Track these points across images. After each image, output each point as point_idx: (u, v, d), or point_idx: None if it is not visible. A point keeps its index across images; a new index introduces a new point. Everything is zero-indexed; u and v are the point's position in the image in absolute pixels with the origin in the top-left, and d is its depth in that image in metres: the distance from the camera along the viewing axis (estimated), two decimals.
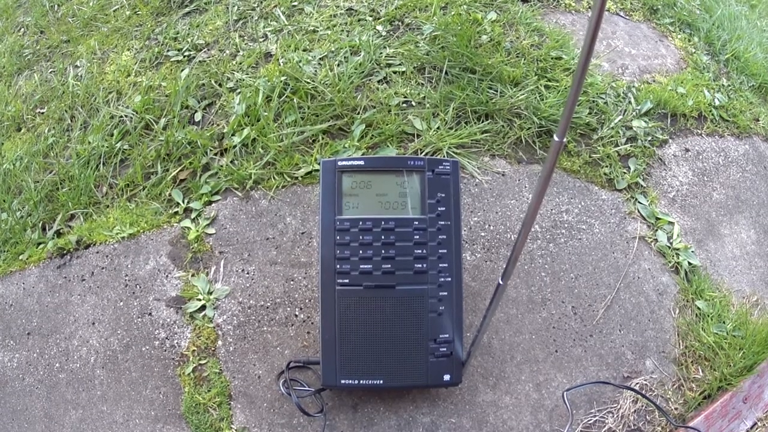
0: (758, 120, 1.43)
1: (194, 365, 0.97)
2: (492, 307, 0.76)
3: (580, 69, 0.50)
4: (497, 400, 0.94)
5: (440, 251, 0.88)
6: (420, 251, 0.87)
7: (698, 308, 1.08)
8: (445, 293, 0.87)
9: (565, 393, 0.94)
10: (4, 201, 1.27)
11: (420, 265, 0.87)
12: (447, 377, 0.88)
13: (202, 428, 0.92)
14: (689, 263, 1.12)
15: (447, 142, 1.11)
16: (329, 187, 0.89)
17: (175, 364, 0.98)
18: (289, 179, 1.12)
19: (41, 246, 1.16)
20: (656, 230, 1.15)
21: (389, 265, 0.87)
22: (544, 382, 0.96)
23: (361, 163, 0.90)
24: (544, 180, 0.60)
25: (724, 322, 1.07)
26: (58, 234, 1.18)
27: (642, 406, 0.97)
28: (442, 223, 0.88)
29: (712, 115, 1.36)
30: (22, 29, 1.75)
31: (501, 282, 0.72)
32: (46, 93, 1.46)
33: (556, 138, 0.57)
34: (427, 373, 0.87)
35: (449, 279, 0.88)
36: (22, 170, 1.30)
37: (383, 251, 0.87)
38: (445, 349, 0.87)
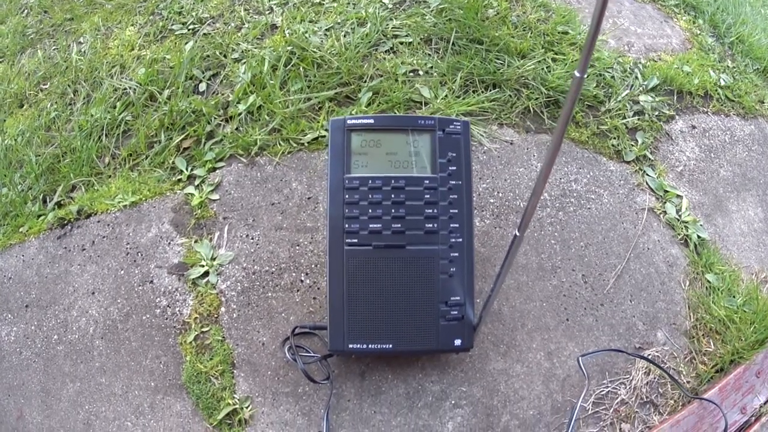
0: (763, 102, 1.43)
1: (196, 333, 0.94)
2: (508, 260, 0.74)
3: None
4: (508, 368, 0.92)
5: (451, 211, 0.86)
6: (431, 211, 0.85)
7: (708, 281, 1.06)
8: (457, 254, 0.85)
9: (580, 358, 0.92)
10: (5, 176, 1.25)
11: (431, 225, 0.85)
12: (458, 342, 0.85)
13: (204, 398, 0.89)
14: (698, 236, 1.10)
15: (455, 109, 1.10)
16: (338, 145, 0.87)
17: (177, 332, 0.95)
18: (295, 145, 1.10)
19: (41, 218, 1.14)
20: (665, 203, 1.13)
21: (399, 225, 0.85)
22: (556, 350, 0.94)
23: (371, 121, 0.88)
24: (565, 116, 0.58)
25: (734, 297, 1.05)
26: (59, 205, 1.15)
27: (654, 378, 0.95)
28: (453, 182, 0.87)
29: (718, 94, 1.36)
30: (26, 10, 1.74)
31: (517, 233, 0.71)
32: (49, 69, 1.45)
33: (576, 74, 0.55)
34: (438, 337, 0.85)
35: (460, 240, 0.86)
36: (24, 145, 1.28)
37: (393, 210, 0.85)
38: (456, 312, 0.85)
